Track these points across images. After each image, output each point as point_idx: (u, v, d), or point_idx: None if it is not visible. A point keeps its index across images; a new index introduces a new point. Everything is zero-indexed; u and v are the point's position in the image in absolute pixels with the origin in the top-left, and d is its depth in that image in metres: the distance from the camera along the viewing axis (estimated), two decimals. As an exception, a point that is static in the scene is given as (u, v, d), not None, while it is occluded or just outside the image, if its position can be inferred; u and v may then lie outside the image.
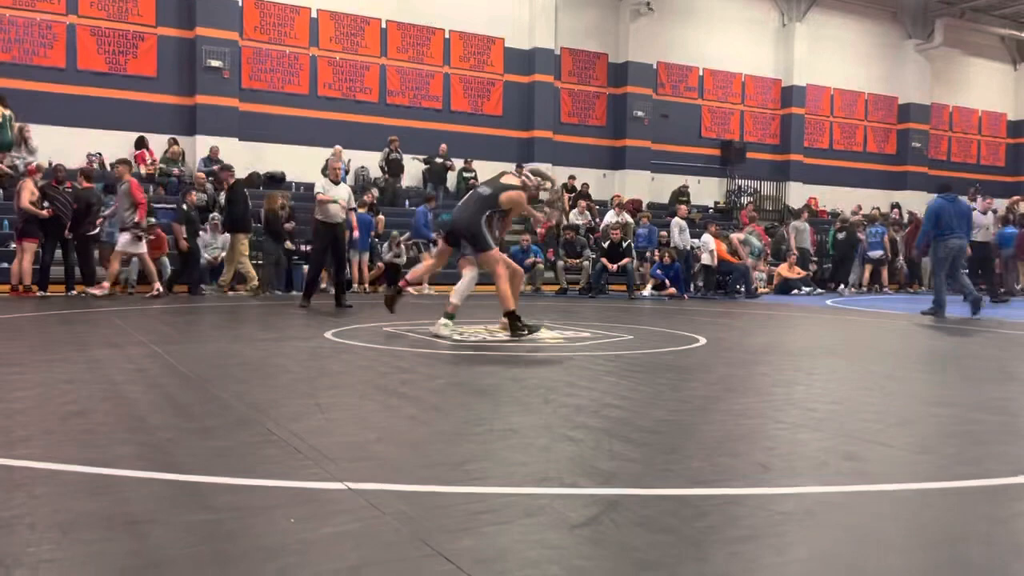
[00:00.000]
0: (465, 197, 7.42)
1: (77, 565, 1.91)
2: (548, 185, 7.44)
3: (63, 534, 2.08)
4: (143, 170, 15.62)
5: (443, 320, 6.75)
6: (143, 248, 11.70)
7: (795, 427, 3.49)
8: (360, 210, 13.74)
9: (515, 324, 6.74)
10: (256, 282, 12.52)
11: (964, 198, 10.88)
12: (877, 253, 17.84)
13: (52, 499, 2.38)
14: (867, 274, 17.93)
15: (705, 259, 15.25)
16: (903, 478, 2.78)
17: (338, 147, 16.93)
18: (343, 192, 10.12)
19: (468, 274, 7.02)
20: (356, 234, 10.33)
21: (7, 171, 13.75)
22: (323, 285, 12.64)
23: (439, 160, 18.19)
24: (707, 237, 15.49)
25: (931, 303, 10.60)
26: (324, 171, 11.34)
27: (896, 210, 23.39)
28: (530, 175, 7.29)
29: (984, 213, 13.65)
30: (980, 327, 9.32)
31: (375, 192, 16.46)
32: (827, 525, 2.25)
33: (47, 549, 1.97)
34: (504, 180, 7.11)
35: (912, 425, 3.66)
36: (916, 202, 25.18)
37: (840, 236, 17.90)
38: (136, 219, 11.36)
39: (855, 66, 25.50)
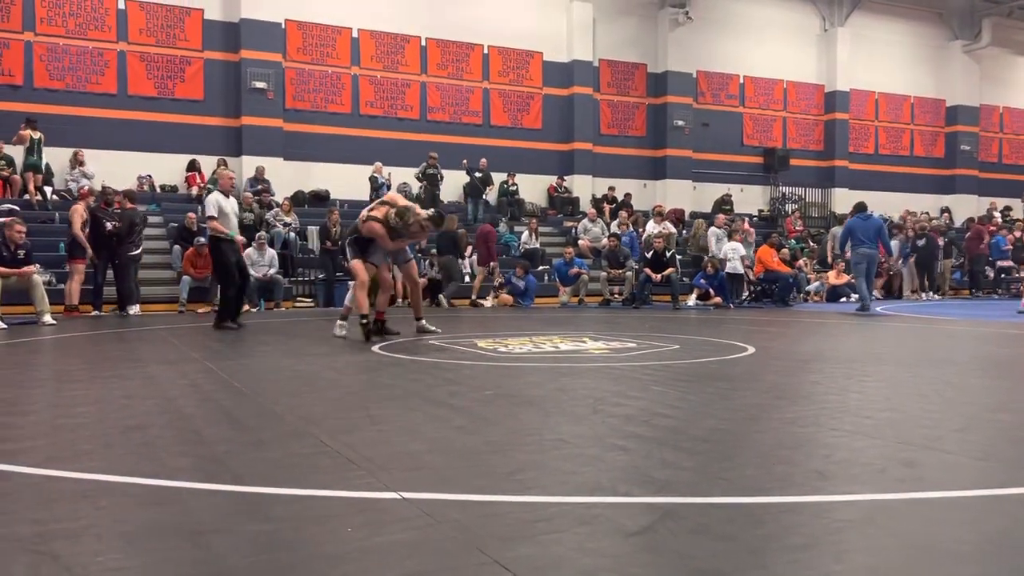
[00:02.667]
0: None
1: (144, 574, 1.96)
2: (411, 219, 7.80)
3: (128, 544, 2.13)
4: (194, 191, 15.96)
5: (341, 322, 8.15)
6: None
7: (851, 434, 3.43)
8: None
9: (364, 326, 7.66)
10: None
11: (877, 214, 13.08)
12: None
13: (116, 510, 2.44)
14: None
15: (732, 267, 14.93)
16: (964, 485, 2.72)
17: (378, 163, 17.14)
18: (234, 204, 9.67)
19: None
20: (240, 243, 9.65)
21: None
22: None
23: (479, 174, 18.14)
24: (735, 244, 15.29)
25: (858, 303, 12.61)
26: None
27: (947, 215, 22.92)
28: (395, 215, 7.72)
29: None
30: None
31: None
32: (887, 533, 2.21)
33: (114, 558, 2.02)
34: (372, 212, 7.87)
35: (971, 431, 3.57)
36: (967, 206, 24.65)
37: (920, 243, 17.48)
38: None
39: (900, 69, 25.05)
